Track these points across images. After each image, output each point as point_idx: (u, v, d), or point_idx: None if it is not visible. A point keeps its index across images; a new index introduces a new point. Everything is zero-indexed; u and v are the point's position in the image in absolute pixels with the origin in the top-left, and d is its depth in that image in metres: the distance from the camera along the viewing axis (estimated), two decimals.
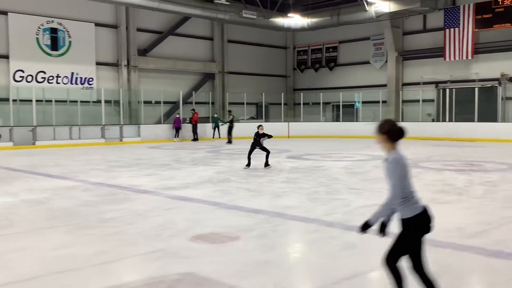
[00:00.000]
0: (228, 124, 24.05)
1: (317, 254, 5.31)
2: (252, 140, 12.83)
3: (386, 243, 5.41)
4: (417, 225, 3.33)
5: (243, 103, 28.48)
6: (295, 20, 28.20)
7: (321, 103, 29.09)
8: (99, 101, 23.57)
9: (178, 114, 25.35)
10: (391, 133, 3.48)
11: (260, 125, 13.18)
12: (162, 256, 5.03)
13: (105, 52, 25.33)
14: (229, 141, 23.15)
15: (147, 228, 6.20)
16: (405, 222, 3.36)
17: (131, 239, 5.73)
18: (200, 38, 29.42)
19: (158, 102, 26.12)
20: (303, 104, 29.54)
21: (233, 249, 5.30)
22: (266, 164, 12.62)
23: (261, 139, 12.74)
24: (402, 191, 3.34)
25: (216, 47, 29.85)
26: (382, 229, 3.62)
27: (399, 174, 3.39)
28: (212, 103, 29.19)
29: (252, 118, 30.36)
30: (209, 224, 6.43)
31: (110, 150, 19.45)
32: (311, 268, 4.83)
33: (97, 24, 24.85)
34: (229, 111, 25.61)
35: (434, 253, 5.06)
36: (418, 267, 3.38)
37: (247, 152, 12.73)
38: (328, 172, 11.64)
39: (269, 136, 12.94)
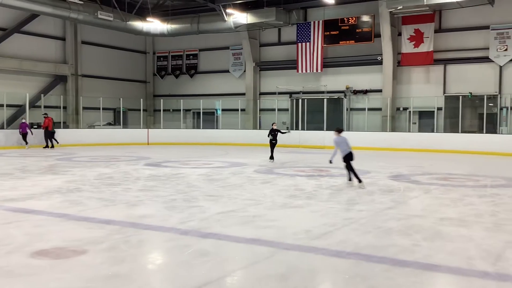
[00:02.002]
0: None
1: (171, 263, 5.18)
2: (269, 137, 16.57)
3: (238, 251, 5.51)
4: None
5: (99, 108, 27.13)
6: (154, 25, 27.75)
7: (181, 110, 28.99)
8: None
9: (24, 119, 23.24)
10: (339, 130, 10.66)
11: (274, 123, 17.57)
12: None
13: None
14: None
15: None
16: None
17: None
18: (50, 37, 27.41)
19: (1, 105, 23.69)
20: (163, 110, 29.16)
21: (78, 264, 4.93)
22: (271, 157, 16.33)
23: (277, 133, 16.50)
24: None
25: (69, 48, 28.04)
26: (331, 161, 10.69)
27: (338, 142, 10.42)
28: (65, 108, 27.32)
29: (109, 124, 29.11)
30: (53, 238, 5.92)
31: None
32: (164, 279, 4.68)
33: None
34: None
35: (283, 256, 5.28)
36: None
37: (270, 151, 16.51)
38: (187, 179, 11.56)
39: (283, 132, 16.80)
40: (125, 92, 30.68)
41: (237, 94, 29.53)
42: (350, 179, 10.77)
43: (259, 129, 28.19)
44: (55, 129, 23.53)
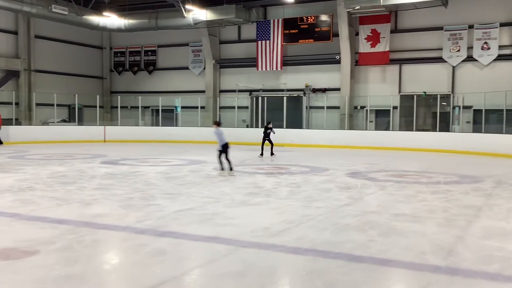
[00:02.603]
0: None
1: (125, 263, 5.08)
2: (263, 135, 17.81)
3: (195, 249, 5.46)
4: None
5: (53, 105, 26.32)
6: (111, 20, 27.16)
7: (139, 107, 28.50)
8: None
9: None
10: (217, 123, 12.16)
11: (269, 122, 18.35)
12: None
13: None
14: None
15: None
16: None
17: None
18: (2, 31, 26.37)
19: None
20: (121, 107, 28.57)
21: (29, 265, 4.75)
22: (272, 153, 17.69)
23: (270, 132, 17.76)
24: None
25: (21, 43, 27.05)
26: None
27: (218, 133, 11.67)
28: (17, 104, 26.36)
29: (64, 121, 28.30)
30: (4, 238, 5.70)
31: None
32: (118, 279, 4.59)
33: None
34: None
35: (241, 253, 5.27)
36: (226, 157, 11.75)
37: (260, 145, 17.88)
38: (145, 178, 11.37)
39: (273, 131, 17.94)
40: (81, 88, 29.90)
41: (196, 91, 29.32)
42: (222, 169, 12.07)
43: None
44: (1, 126, 22.47)
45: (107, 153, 18.33)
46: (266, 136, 17.95)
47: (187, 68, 30.11)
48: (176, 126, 28.67)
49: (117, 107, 28.94)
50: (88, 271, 4.67)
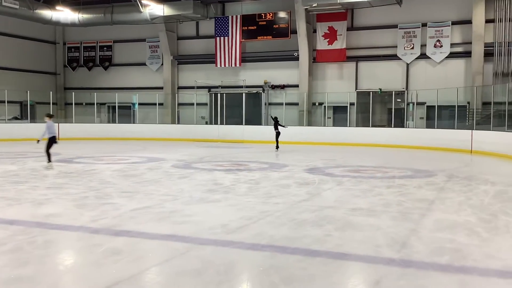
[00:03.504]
0: None
1: (79, 264, 4.94)
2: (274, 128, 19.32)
3: (152, 248, 5.37)
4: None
5: (4, 101, 25.33)
6: (64, 14, 26.40)
7: (95, 104, 27.84)
8: None
9: None
10: (49, 115, 12.88)
11: (276, 116, 20.04)
12: None
13: None
14: None
15: None
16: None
17: None
18: None
19: None
20: (76, 104, 27.84)
21: None
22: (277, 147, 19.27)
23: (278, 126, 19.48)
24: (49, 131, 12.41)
25: None
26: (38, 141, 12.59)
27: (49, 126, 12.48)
28: None
29: (16, 118, 27.30)
30: None
31: None
32: (72, 280, 4.45)
33: None
34: None
35: (198, 251, 5.22)
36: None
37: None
38: (100, 176, 11.12)
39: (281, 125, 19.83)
40: (33, 84, 28.93)
41: (154, 88, 28.92)
42: (49, 161, 12.49)
43: (177, 123, 27.81)
44: None
45: (61, 151, 17.79)
46: (276, 129, 19.49)
47: (144, 64, 29.63)
48: (134, 123, 28.23)
49: (71, 103, 28.19)
50: (40, 273, 4.51)
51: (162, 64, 28.82)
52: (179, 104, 28.52)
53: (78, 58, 31.41)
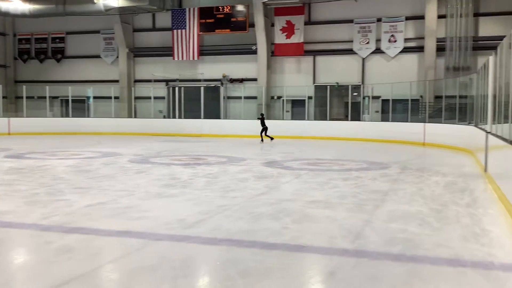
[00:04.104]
0: None
1: (30, 262, 4.78)
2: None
3: (106, 244, 5.25)
4: None
5: None
6: (14, 4, 25.38)
7: (47, 97, 26.94)
8: None
9: None
10: None
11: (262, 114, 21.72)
12: None
13: None
14: None
15: None
16: None
17: None
18: None
19: None
20: (27, 97, 26.83)
21: None
22: (271, 139, 20.72)
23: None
24: None
25: None
26: None
27: None
28: None
29: None
30: None
31: None
32: (22, 278, 4.29)
33: None
34: None
35: (154, 247, 5.15)
36: None
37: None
38: (52, 172, 10.79)
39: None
40: None
41: (110, 81, 28.27)
42: None
43: (134, 117, 27.33)
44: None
45: (12, 147, 17.18)
46: (263, 125, 20.60)
47: (99, 56, 28.91)
48: (88, 117, 27.52)
49: (22, 97, 27.17)
50: None
51: (118, 57, 28.19)
52: (135, 98, 27.99)
53: (29, 50, 30.28)
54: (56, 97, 28.65)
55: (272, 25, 25.54)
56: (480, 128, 12.72)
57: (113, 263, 4.69)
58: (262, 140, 20.73)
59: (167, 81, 27.79)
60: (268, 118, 25.29)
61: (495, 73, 10.42)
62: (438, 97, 21.82)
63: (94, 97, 28.02)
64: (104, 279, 4.36)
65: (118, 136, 24.45)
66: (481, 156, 11.76)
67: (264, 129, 20.69)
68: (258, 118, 21.31)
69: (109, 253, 4.97)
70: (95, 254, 4.87)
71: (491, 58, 11.18)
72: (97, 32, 28.64)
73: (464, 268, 4.46)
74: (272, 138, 20.79)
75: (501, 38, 9.36)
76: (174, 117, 26.49)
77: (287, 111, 26.00)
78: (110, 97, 26.78)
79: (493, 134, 10.15)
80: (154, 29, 27.95)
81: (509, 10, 20.75)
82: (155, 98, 27.08)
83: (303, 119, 24.91)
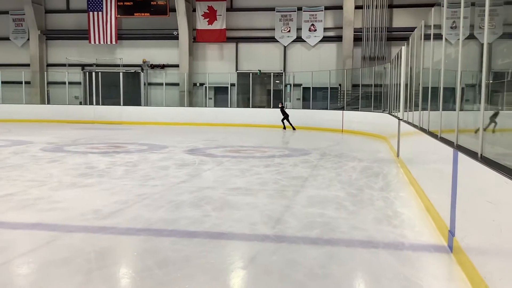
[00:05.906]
0: None
1: None
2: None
3: (14, 238, 4.91)
4: None
5: None
6: None
7: None
8: None
9: None
10: None
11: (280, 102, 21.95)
12: None
13: None
14: None
15: None
16: None
17: None
18: None
19: None
20: None
21: None
22: (293, 129, 20.75)
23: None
24: None
25: None
26: None
27: None
28: None
29: None
30: None
31: None
32: None
33: None
34: None
35: (67, 239, 4.89)
36: None
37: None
38: None
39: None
40: None
41: (20, 65, 26.54)
42: None
43: (47, 103, 25.90)
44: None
45: None
46: (284, 114, 20.62)
47: (8, 38, 27.03)
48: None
49: None
50: None
51: (29, 39, 26.49)
52: (48, 83, 26.53)
53: None
54: None
55: (194, 10, 25.15)
56: (393, 116, 13.37)
57: (22, 257, 4.39)
58: (284, 127, 20.92)
59: (83, 66, 26.56)
60: (191, 105, 25.06)
61: (407, 63, 10.95)
62: (355, 86, 22.67)
63: (3, 82, 26.19)
64: (12, 274, 4.07)
65: (30, 123, 23.07)
66: (394, 142, 12.37)
67: (285, 117, 20.63)
68: (278, 107, 21.36)
69: (17, 247, 4.64)
70: (2, 248, 4.53)
71: (403, 48, 11.73)
72: (6, 12, 26.71)
73: (377, 249, 4.65)
74: (294, 128, 20.73)
75: (412, 29, 9.83)
76: (91, 103, 25.41)
77: (210, 98, 25.84)
78: (20, 82, 25.16)
79: (404, 121, 10.69)
80: (68, 10, 26.53)
81: (421, 2, 21.89)
82: (70, 83, 25.82)
83: (226, 106, 24.89)
